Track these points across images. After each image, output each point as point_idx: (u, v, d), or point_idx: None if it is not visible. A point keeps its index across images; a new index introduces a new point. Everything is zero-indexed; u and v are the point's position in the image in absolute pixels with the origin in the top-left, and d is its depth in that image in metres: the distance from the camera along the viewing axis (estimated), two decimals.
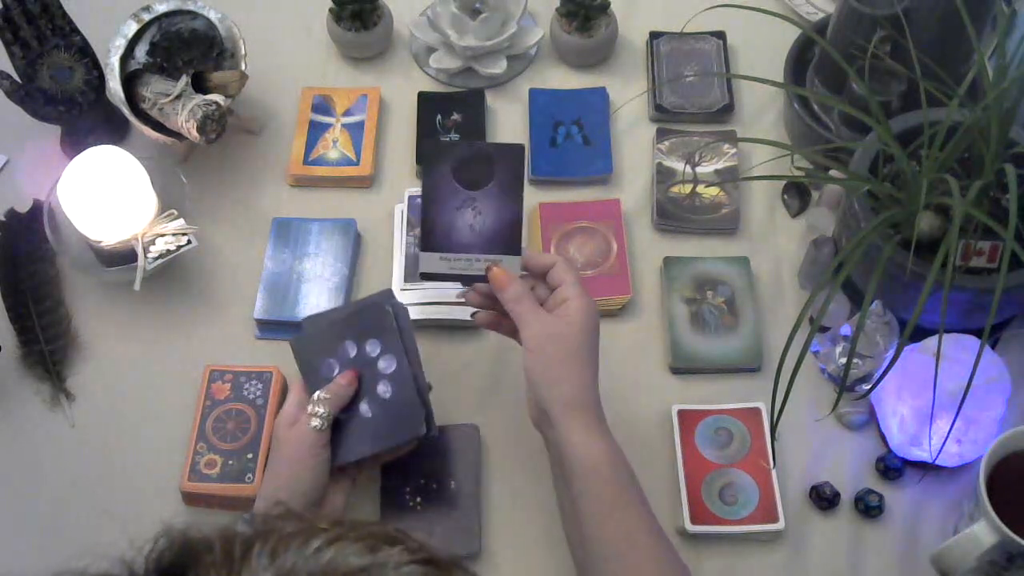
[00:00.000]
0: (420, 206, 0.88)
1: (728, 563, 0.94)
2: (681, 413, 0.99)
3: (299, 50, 1.28)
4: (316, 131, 1.20)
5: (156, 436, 1.01)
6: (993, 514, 0.82)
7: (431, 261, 0.87)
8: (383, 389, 0.90)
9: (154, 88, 1.10)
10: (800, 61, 1.17)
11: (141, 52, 1.13)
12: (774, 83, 1.06)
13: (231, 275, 1.11)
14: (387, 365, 0.90)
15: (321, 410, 0.87)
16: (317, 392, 0.88)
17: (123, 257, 1.05)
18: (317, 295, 1.07)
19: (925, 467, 0.95)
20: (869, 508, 0.94)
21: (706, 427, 0.98)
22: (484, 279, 0.87)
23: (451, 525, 0.94)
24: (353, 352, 0.91)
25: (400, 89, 1.24)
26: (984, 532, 0.83)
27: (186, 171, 1.12)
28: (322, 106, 1.21)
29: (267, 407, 1.00)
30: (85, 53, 1.14)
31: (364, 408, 0.90)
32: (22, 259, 1.10)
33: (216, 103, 1.07)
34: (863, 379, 0.99)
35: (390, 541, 0.48)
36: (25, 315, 1.07)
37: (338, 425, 0.89)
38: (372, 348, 0.91)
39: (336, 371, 0.91)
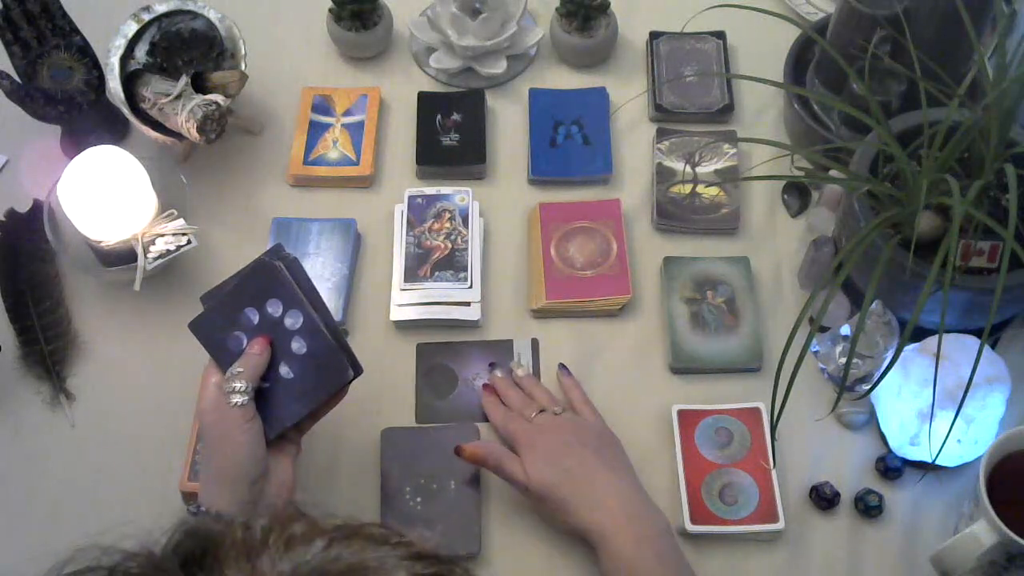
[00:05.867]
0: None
1: (728, 563, 0.94)
2: (681, 413, 0.99)
3: (299, 50, 1.28)
4: (316, 131, 1.20)
5: (156, 436, 1.01)
6: (993, 514, 0.82)
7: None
8: (297, 346, 0.86)
9: (154, 88, 1.10)
10: (800, 61, 1.17)
11: (141, 52, 1.13)
12: (774, 83, 1.06)
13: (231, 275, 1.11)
14: (294, 321, 0.86)
15: (239, 385, 0.83)
16: (230, 368, 0.85)
17: (123, 257, 1.05)
18: None
19: (925, 467, 0.95)
20: (869, 508, 0.94)
21: (706, 427, 0.98)
22: None
23: (451, 525, 0.94)
24: (256, 318, 0.87)
25: (400, 89, 1.24)
26: (984, 532, 0.83)
27: (186, 171, 1.12)
28: (322, 106, 1.21)
29: None
30: (85, 53, 1.14)
31: (284, 370, 0.86)
32: (22, 259, 1.10)
33: (216, 103, 1.07)
34: (863, 379, 0.99)
35: (394, 538, 0.49)
36: (25, 315, 1.07)
37: (263, 395, 0.86)
38: (274, 308, 0.86)
39: (244, 342, 0.87)
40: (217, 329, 0.88)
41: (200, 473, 0.86)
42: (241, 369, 0.84)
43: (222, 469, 0.82)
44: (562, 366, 1.03)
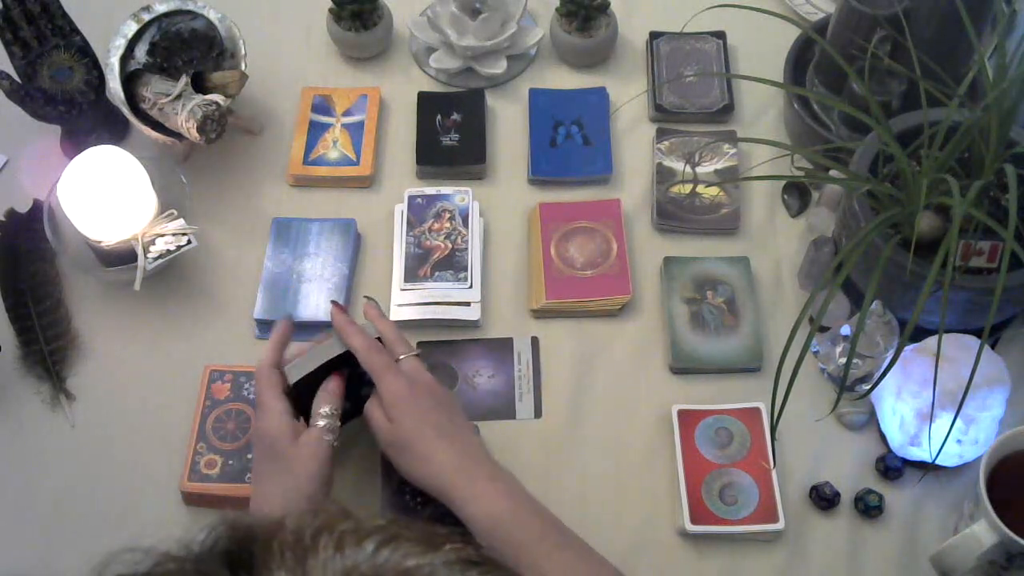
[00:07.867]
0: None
1: (728, 563, 0.94)
2: (681, 413, 0.99)
3: (299, 50, 1.28)
4: (316, 131, 1.20)
5: (156, 436, 1.01)
6: (993, 514, 0.82)
7: None
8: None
9: (154, 88, 1.10)
10: (800, 61, 1.17)
11: (141, 52, 1.13)
12: (774, 83, 1.06)
13: (231, 275, 1.11)
14: None
15: (330, 423, 0.88)
16: (323, 407, 0.88)
17: (123, 257, 1.05)
18: (317, 295, 1.07)
19: (925, 467, 0.95)
20: (869, 508, 0.94)
21: (706, 427, 0.98)
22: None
23: (451, 525, 0.94)
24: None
25: (400, 89, 1.24)
26: (984, 532, 0.83)
27: (186, 171, 1.12)
28: (322, 106, 1.21)
29: None
30: (85, 53, 1.14)
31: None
32: (22, 259, 1.10)
33: (216, 103, 1.07)
34: (863, 379, 0.99)
35: (443, 540, 0.48)
36: (25, 315, 1.07)
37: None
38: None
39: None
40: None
41: (264, 496, 0.86)
42: (334, 409, 0.88)
43: (310, 495, 0.84)
44: (368, 298, 0.97)
